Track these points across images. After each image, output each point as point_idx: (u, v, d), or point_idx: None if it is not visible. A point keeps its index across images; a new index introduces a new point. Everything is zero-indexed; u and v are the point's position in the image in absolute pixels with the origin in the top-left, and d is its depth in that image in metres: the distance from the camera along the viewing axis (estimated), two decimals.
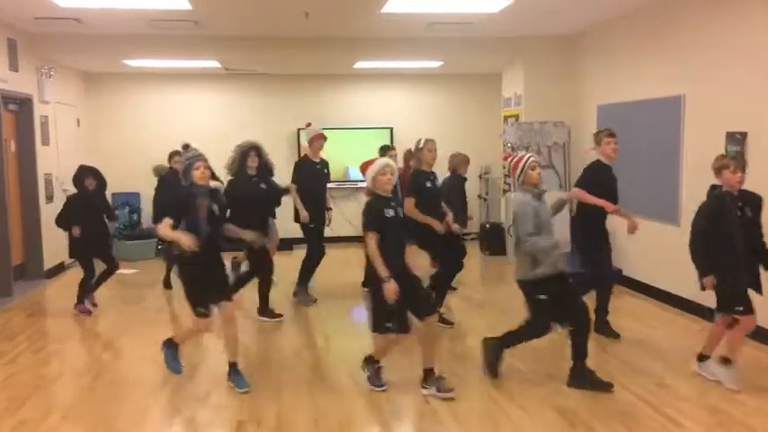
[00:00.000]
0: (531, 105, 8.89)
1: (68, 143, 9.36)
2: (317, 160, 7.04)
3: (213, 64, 9.42)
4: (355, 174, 10.88)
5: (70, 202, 6.58)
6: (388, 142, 10.78)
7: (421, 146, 6.13)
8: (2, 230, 7.37)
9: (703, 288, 4.44)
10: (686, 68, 6.37)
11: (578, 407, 4.18)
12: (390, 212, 4.36)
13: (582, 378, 4.42)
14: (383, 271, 4.11)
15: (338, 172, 10.85)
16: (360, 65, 9.71)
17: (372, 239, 4.22)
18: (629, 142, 7.41)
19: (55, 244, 8.63)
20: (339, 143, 10.79)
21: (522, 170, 4.69)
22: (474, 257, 9.45)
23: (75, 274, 7.13)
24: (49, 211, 8.46)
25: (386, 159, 4.70)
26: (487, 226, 9.91)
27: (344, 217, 10.90)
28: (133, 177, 10.40)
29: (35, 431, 3.91)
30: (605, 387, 4.37)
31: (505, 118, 9.56)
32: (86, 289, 6.55)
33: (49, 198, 8.55)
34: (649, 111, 6.97)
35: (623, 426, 3.91)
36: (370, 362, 4.50)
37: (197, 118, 10.61)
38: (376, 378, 4.45)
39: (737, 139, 5.63)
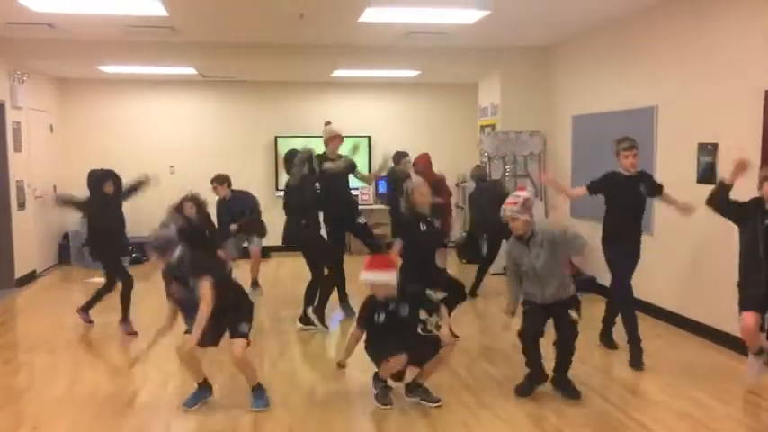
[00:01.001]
0: (507, 115, 8.97)
1: (41, 150, 9.23)
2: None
3: (189, 71, 9.37)
4: None
5: (84, 205, 6.48)
6: (365, 152, 10.81)
7: (410, 189, 5.34)
8: None
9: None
10: (659, 80, 6.48)
11: (550, 413, 4.21)
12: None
13: (561, 386, 4.46)
14: None
15: None
16: (338, 73, 9.73)
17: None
18: (603, 152, 7.52)
19: (26, 252, 8.50)
20: (317, 151, 10.77)
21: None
22: (451, 265, 9.48)
23: (47, 282, 7.03)
24: (20, 219, 8.35)
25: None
26: (464, 234, 9.95)
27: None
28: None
29: None
30: (576, 395, 4.40)
31: (482, 127, 9.64)
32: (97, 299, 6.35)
33: (21, 205, 8.42)
34: (623, 122, 7.07)
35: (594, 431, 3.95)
36: (377, 380, 4.41)
37: (173, 125, 10.53)
38: (383, 396, 4.33)
39: (709, 150, 5.74)
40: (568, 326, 4.37)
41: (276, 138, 10.64)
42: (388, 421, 4.13)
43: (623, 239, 5.29)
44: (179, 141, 10.55)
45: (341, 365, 4.51)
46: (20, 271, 8.27)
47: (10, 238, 8.11)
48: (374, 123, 10.98)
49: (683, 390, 4.58)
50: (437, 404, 4.26)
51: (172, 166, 10.52)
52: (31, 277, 8.57)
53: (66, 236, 9.92)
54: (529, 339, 4.37)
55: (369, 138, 10.90)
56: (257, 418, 4.15)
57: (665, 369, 5.03)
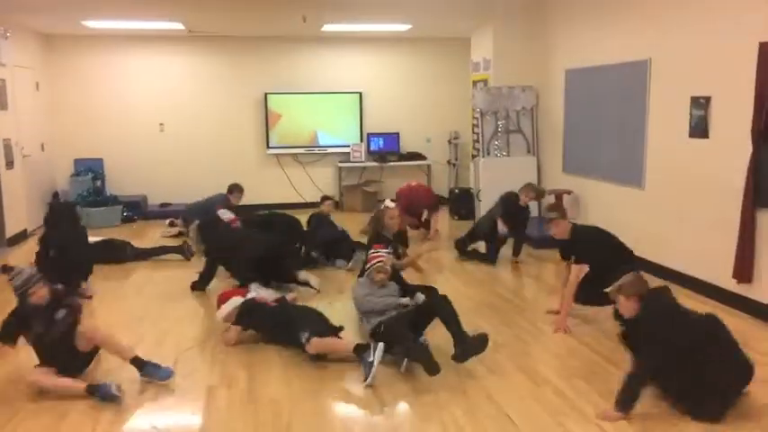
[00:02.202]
0: (499, 70, 8.88)
1: (28, 108, 9.08)
2: None
3: (177, 26, 9.18)
4: (324, 139, 10.81)
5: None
6: (356, 108, 10.73)
7: (381, 209, 5.78)
8: None
9: None
10: (652, 32, 6.41)
11: (543, 367, 4.28)
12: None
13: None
14: None
15: (307, 137, 10.77)
16: (327, 28, 9.56)
17: None
18: (595, 107, 7.50)
19: (17, 211, 8.45)
20: (307, 108, 10.70)
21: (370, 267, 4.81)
22: (443, 222, 9.51)
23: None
24: (9, 178, 8.27)
25: None
26: (456, 191, 9.96)
27: (314, 183, 10.89)
28: (96, 143, 10.20)
29: (3, 398, 3.89)
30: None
31: (474, 83, 9.55)
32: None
33: (9, 164, 8.32)
34: (616, 75, 7.02)
35: (585, 382, 4.03)
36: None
37: (162, 82, 10.37)
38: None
39: (701, 103, 5.71)
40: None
41: (266, 94, 10.52)
42: (387, 377, 4.18)
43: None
44: (168, 99, 10.41)
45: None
46: (10, 230, 8.23)
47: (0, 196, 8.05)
48: (366, 79, 10.86)
49: None
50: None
51: (161, 124, 10.42)
52: (22, 236, 8.54)
53: (55, 195, 9.86)
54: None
55: (360, 94, 10.79)
56: (251, 372, 4.21)
57: None
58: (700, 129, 5.75)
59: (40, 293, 4.06)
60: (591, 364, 4.34)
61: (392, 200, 6.45)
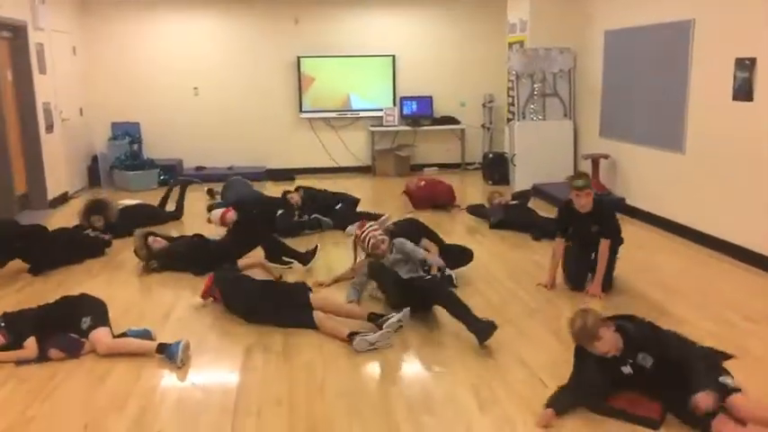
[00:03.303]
0: (536, 31, 8.69)
1: (65, 72, 9.21)
2: None
3: None
4: (357, 102, 10.77)
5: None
6: (389, 72, 10.62)
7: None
8: (3, 160, 7.34)
9: None
10: None
11: None
12: None
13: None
14: None
15: (339, 101, 10.74)
16: None
17: None
18: (635, 69, 7.30)
19: (57, 174, 8.64)
20: (340, 71, 10.64)
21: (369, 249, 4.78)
22: (476, 186, 9.45)
23: (79, 204, 7.16)
24: (49, 141, 8.44)
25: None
26: (490, 155, 9.86)
27: (347, 147, 10.88)
28: (132, 107, 10.31)
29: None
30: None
31: (510, 44, 9.37)
32: None
33: (49, 128, 8.48)
34: (657, 36, 6.82)
35: None
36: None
37: (196, 46, 10.39)
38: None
39: (746, 65, 5.53)
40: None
41: (299, 58, 10.47)
42: (418, 339, 4.21)
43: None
44: (202, 63, 10.44)
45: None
46: (52, 193, 8.43)
47: (40, 159, 8.22)
48: (399, 42, 10.72)
49: (711, 310, 4.59)
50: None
51: (196, 88, 10.47)
52: (63, 199, 8.74)
53: (94, 158, 10.04)
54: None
55: (393, 56, 10.68)
56: (286, 335, 4.27)
57: (693, 290, 5.03)
58: (743, 91, 5.58)
59: None
60: None
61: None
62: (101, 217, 6.40)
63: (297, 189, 7.42)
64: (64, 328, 4.03)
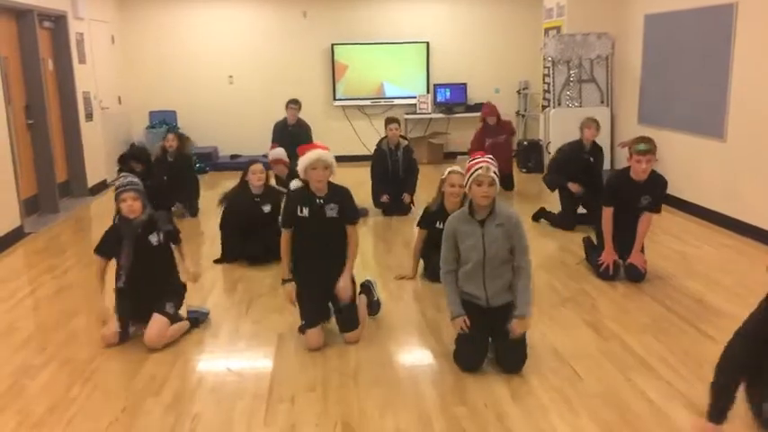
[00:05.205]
0: (573, 16, 8.53)
1: (104, 61, 9.37)
2: None
3: None
4: (390, 90, 10.73)
5: None
6: (423, 59, 10.54)
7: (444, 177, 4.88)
8: (45, 148, 7.53)
9: None
10: None
11: (610, 321, 4.22)
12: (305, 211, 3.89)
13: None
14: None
15: (373, 88, 10.72)
16: None
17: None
18: (676, 54, 7.13)
19: (97, 162, 8.82)
20: (374, 59, 10.61)
21: (468, 181, 3.51)
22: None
23: None
24: (89, 130, 8.61)
25: (318, 153, 3.82)
26: (525, 143, 9.74)
27: (380, 135, 10.85)
28: (169, 96, 10.45)
29: (88, 339, 4.12)
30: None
31: (546, 30, 9.22)
32: None
33: (89, 116, 8.65)
34: (699, 20, 6.64)
35: (653, 338, 3.95)
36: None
37: (230, 34, 10.47)
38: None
39: None
40: (513, 350, 3.57)
41: (333, 45, 10.47)
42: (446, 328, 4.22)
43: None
44: (237, 51, 10.52)
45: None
46: (92, 180, 8.61)
47: (81, 147, 8.40)
48: (432, 28, 10.64)
49: (752, 303, 4.47)
50: None
51: (230, 77, 10.56)
52: (102, 186, 8.92)
53: (132, 146, 10.19)
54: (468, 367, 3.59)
55: (427, 43, 10.60)
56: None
57: (733, 280, 4.92)
58: None
59: (133, 205, 3.89)
60: (662, 320, 4.23)
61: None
62: (139, 163, 6.65)
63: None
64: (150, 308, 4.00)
